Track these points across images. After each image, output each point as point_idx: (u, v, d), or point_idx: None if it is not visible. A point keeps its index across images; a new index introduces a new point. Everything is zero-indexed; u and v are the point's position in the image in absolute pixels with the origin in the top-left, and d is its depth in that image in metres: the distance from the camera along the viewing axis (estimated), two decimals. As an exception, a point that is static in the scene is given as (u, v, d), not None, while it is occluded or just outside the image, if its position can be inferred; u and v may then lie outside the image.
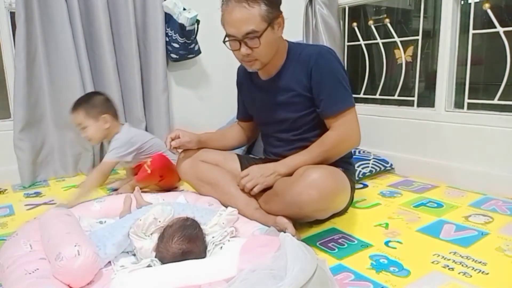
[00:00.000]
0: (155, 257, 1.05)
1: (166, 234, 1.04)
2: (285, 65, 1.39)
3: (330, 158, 1.35)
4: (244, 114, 1.65)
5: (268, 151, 1.57)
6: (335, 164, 1.37)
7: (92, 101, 1.78)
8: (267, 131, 1.55)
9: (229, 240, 1.10)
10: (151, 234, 1.08)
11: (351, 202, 1.51)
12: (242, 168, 1.52)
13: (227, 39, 1.29)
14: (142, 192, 1.54)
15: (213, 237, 1.10)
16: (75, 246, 0.98)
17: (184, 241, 1.01)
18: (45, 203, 1.81)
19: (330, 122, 1.35)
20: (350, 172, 1.48)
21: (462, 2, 1.92)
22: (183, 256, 1.01)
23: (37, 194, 1.98)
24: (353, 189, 1.45)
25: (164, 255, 1.02)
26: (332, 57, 1.34)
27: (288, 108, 1.40)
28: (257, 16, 1.23)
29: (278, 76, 1.40)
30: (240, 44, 1.26)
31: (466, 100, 1.90)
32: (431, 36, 2.24)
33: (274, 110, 1.43)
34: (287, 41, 1.42)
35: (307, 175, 1.21)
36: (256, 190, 1.33)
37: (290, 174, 1.30)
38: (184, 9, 2.33)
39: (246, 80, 1.53)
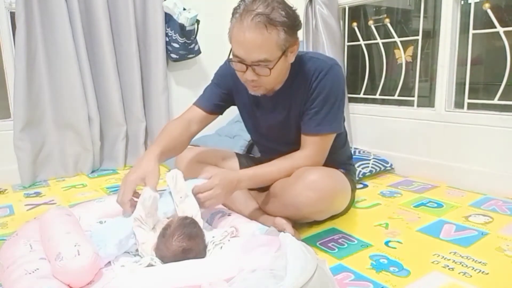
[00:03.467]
0: (156, 256, 1.05)
1: (167, 233, 1.04)
2: (288, 80, 1.26)
3: (284, 177, 1.27)
4: (214, 106, 1.40)
5: (262, 155, 1.53)
6: (335, 165, 1.36)
7: None
8: (262, 143, 1.49)
9: (229, 240, 1.10)
10: (153, 227, 1.08)
11: (352, 203, 1.50)
12: (241, 168, 1.52)
13: (232, 58, 1.15)
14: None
15: (213, 237, 1.10)
16: (75, 246, 0.98)
17: (184, 239, 1.02)
18: (45, 203, 1.81)
19: (305, 138, 1.27)
20: (351, 173, 1.47)
21: (462, 2, 1.92)
22: (183, 254, 1.01)
23: (37, 194, 1.98)
24: (353, 191, 1.44)
25: (165, 253, 1.03)
26: (337, 76, 1.22)
27: (289, 126, 1.31)
28: (273, 44, 1.08)
29: (280, 93, 1.27)
30: (247, 68, 1.12)
31: (466, 100, 1.90)
32: (431, 36, 2.24)
33: (274, 127, 1.34)
34: None
35: (306, 176, 1.20)
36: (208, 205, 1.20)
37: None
38: (184, 9, 2.34)
39: (243, 90, 1.30)
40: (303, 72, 1.23)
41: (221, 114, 1.45)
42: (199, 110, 1.40)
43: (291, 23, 1.10)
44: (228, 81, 1.36)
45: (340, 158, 1.43)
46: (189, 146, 1.65)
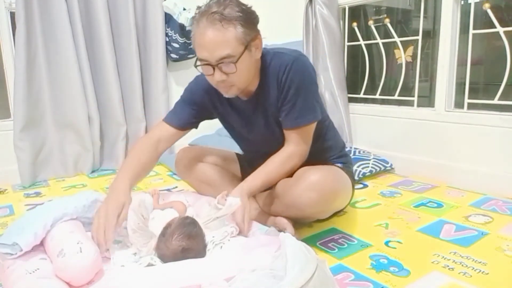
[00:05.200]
0: (156, 255, 1.05)
1: (167, 232, 1.04)
2: (261, 80, 1.25)
3: (285, 173, 1.27)
4: (185, 123, 1.36)
5: (248, 160, 1.51)
6: (332, 161, 1.36)
7: None
8: (251, 149, 1.47)
9: (229, 240, 1.10)
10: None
11: (352, 196, 1.47)
12: (242, 170, 1.52)
13: (198, 63, 1.16)
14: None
15: (213, 237, 1.10)
16: (78, 243, 0.99)
17: (184, 238, 1.02)
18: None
19: (287, 132, 1.26)
20: (348, 165, 1.45)
21: (462, 2, 1.92)
22: (183, 253, 1.01)
23: (37, 194, 1.98)
24: (353, 185, 1.43)
25: (164, 253, 1.03)
26: (303, 66, 1.22)
27: (272, 126, 1.30)
28: (232, 39, 1.09)
29: (256, 94, 1.26)
30: (214, 69, 1.12)
31: (466, 100, 1.90)
32: (431, 36, 2.24)
33: (258, 131, 1.33)
34: None
35: (307, 176, 1.21)
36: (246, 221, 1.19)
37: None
38: (184, 9, 2.34)
39: (220, 100, 1.30)
40: (271, 70, 1.23)
41: (196, 128, 1.42)
42: (169, 127, 1.35)
43: (247, 17, 1.11)
44: (201, 96, 1.34)
45: (333, 151, 1.41)
46: (189, 146, 1.65)
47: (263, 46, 1.22)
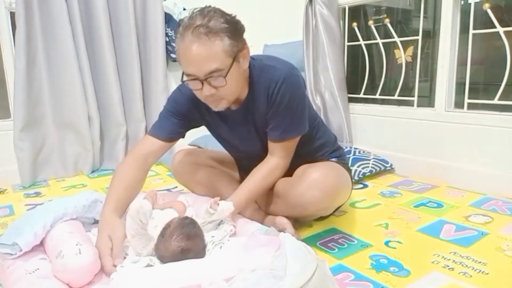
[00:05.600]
0: (155, 255, 1.05)
1: (166, 233, 1.04)
2: (249, 91, 1.22)
3: (268, 187, 1.28)
4: (172, 134, 1.31)
5: (239, 164, 1.52)
6: (326, 156, 1.36)
7: None
8: (240, 156, 1.48)
9: (228, 240, 1.10)
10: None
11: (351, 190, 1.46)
12: (240, 172, 1.52)
13: (186, 78, 1.11)
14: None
15: (212, 237, 1.10)
16: (77, 245, 0.99)
17: (183, 239, 1.02)
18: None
19: (272, 144, 1.26)
20: (342, 157, 1.44)
21: (462, 2, 1.92)
22: (182, 254, 1.01)
23: (37, 194, 1.98)
24: (351, 179, 1.42)
25: (163, 253, 1.02)
26: (294, 83, 1.19)
27: (259, 136, 1.29)
28: (220, 52, 1.05)
29: (247, 105, 1.24)
30: (203, 84, 1.08)
31: (466, 100, 1.90)
32: (431, 36, 2.24)
33: (246, 139, 1.32)
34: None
35: (308, 175, 1.21)
36: None
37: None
38: (184, 9, 2.34)
39: (208, 109, 1.23)
40: (261, 83, 1.20)
41: (183, 137, 1.38)
42: (156, 140, 1.29)
43: (233, 28, 1.08)
44: (185, 106, 1.29)
45: (326, 148, 1.40)
46: (185, 149, 1.64)
47: (255, 54, 1.21)
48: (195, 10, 1.09)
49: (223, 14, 1.09)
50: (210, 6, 1.10)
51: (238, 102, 1.24)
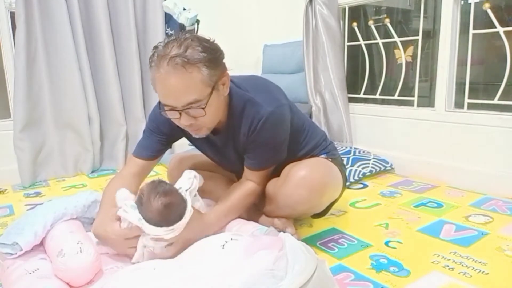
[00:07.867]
0: (143, 219, 1.05)
1: (143, 199, 1.05)
2: (230, 120, 1.20)
3: (243, 209, 1.28)
4: (157, 152, 1.32)
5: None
6: (316, 154, 1.34)
7: None
8: (221, 167, 1.49)
9: (231, 239, 1.10)
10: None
11: (345, 183, 1.43)
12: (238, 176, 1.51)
13: (163, 107, 1.07)
14: None
15: (180, 188, 1.13)
16: (78, 243, 0.99)
17: (161, 196, 1.04)
18: (45, 203, 1.81)
19: (248, 170, 1.26)
20: (332, 152, 1.39)
21: (462, 2, 1.92)
22: (167, 208, 1.03)
23: (37, 194, 1.98)
24: (343, 172, 1.38)
25: (150, 216, 1.03)
26: (276, 122, 1.16)
27: (241, 159, 1.28)
28: (198, 83, 1.01)
29: (228, 129, 1.21)
30: (181, 114, 1.05)
31: (466, 100, 1.90)
32: (431, 36, 2.24)
33: (228, 160, 1.34)
34: None
35: (293, 174, 1.20)
36: None
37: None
38: (184, 9, 2.34)
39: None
40: (244, 116, 1.16)
41: (170, 147, 1.39)
42: (140, 161, 1.30)
43: (212, 56, 1.03)
44: (166, 124, 1.24)
45: (315, 148, 1.36)
46: (181, 153, 1.64)
47: (241, 77, 1.20)
48: (171, 38, 1.04)
49: (200, 41, 1.03)
50: (187, 33, 1.05)
51: (221, 124, 1.20)
